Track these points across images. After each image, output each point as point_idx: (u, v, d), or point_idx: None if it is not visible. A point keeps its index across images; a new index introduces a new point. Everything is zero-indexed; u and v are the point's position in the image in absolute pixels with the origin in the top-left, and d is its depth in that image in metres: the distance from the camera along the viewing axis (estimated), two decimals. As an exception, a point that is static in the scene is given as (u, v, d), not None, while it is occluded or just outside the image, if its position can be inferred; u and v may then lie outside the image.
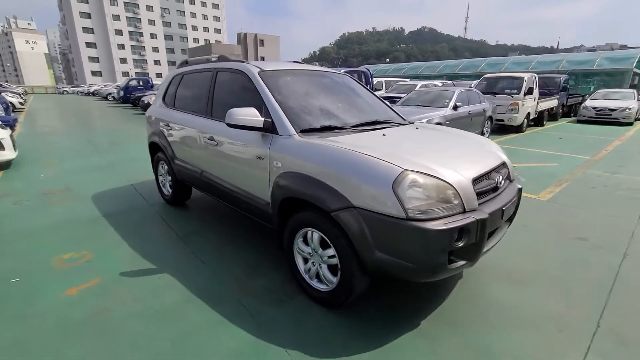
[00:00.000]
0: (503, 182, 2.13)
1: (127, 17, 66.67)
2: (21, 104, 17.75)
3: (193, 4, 73.99)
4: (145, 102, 16.32)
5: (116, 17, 65.42)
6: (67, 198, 4.24)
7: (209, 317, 2.08)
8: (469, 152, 2.25)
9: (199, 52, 57.82)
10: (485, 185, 1.97)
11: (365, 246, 1.77)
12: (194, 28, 75.16)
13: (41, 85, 56.01)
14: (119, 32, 66.31)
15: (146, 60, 70.53)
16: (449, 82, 13.41)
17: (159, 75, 63.40)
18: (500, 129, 10.26)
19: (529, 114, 10.12)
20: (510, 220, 2.33)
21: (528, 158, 6.65)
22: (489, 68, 21.03)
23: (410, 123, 2.95)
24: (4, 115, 7.03)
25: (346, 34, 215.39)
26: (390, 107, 3.23)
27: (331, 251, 2.00)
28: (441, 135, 2.61)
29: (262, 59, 61.65)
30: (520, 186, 2.32)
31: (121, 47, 67.06)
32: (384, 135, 2.32)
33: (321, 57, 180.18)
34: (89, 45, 64.72)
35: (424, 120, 6.68)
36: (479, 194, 1.91)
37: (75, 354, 1.78)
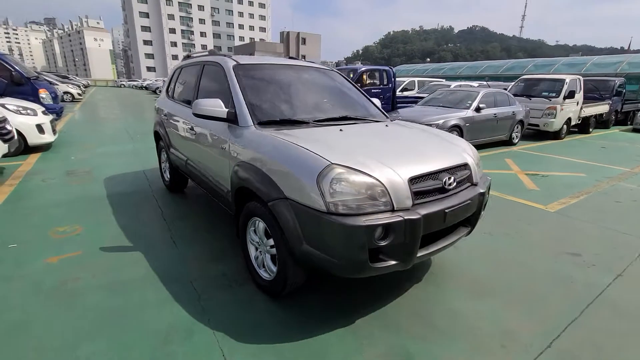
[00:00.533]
0: (455, 184, 2.02)
1: (180, 16, 70.93)
2: (79, 94, 19.62)
3: (241, 3, 76.83)
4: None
5: (171, 17, 69.87)
6: (86, 179, 4.66)
7: (160, 294, 2.21)
8: (423, 151, 2.16)
9: (243, 49, 59.94)
10: (429, 186, 1.89)
11: (295, 237, 1.78)
12: (241, 27, 78.05)
13: (103, 79, 61.55)
14: (172, 31, 70.79)
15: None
16: (485, 83, 12.67)
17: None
18: (536, 134, 9.55)
19: (569, 119, 9.28)
20: (470, 225, 2.21)
21: (554, 166, 6.13)
22: (536, 70, 19.54)
23: (391, 120, 2.89)
24: (52, 103, 7.85)
25: (391, 33, 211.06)
26: (374, 105, 3.17)
27: (272, 241, 2.03)
28: (405, 133, 2.54)
29: (303, 57, 62.25)
30: (482, 190, 2.18)
31: (174, 44, 71.54)
32: (340, 130, 2.30)
33: (364, 55, 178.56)
34: (145, 42, 69.82)
35: (441, 121, 6.42)
36: (419, 194, 1.84)
37: (35, 312, 1.99)
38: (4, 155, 4.28)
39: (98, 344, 1.77)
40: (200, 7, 72.77)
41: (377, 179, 1.71)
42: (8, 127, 4.48)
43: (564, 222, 3.61)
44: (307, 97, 2.83)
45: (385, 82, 8.67)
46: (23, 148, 5.83)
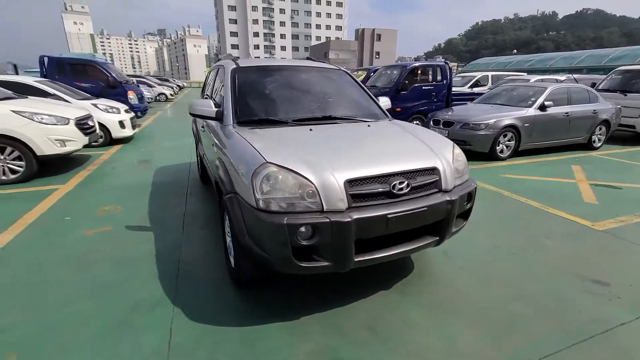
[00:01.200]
0: (408, 189, 1.89)
1: (263, 20, 76.05)
2: (172, 95, 22.57)
3: (319, 3, 78.87)
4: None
5: (255, 21, 75.40)
6: (143, 168, 5.48)
7: (149, 269, 2.55)
8: (382, 152, 2.07)
9: (318, 49, 61.52)
10: (372, 189, 1.82)
11: (239, 230, 1.90)
12: (318, 26, 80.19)
13: (197, 81, 69.55)
14: (255, 34, 76.35)
15: (275, 57, 79.40)
16: (572, 76, 10.84)
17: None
18: (632, 138, 7.92)
19: (681, 120, 7.45)
20: (439, 235, 2.04)
21: (634, 178, 5.05)
22: (655, 58, 15.96)
23: (389, 121, 2.80)
24: (137, 103, 9.31)
25: (479, 23, 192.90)
26: (376, 104, 3.09)
27: (232, 232, 2.19)
28: (383, 134, 2.46)
29: (377, 54, 61.36)
30: (450, 198, 1.99)
31: (256, 47, 77.10)
32: (310, 130, 2.34)
33: (447, 49, 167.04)
34: (233, 46, 76.66)
35: (491, 121, 5.82)
36: (359, 197, 1.79)
37: (53, 275, 2.49)
38: (85, 146, 5.27)
39: (83, 305, 2.14)
40: (282, 11, 76.89)
41: (309, 180, 1.73)
42: (90, 123, 5.50)
43: (608, 243, 3.00)
44: (297, 97, 2.90)
45: (438, 79, 8.10)
46: (109, 140, 7.08)
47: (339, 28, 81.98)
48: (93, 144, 6.56)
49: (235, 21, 74.93)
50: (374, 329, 1.95)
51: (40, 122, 4.62)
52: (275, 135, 2.19)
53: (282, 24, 77.91)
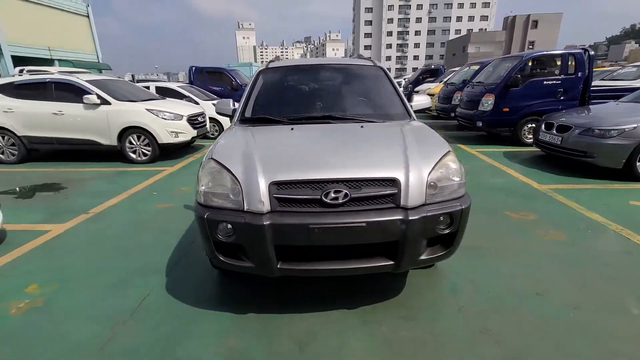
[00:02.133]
0: (346, 199, 1.64)
1: (398, 18, 74.79)
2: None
3: (463, -6, 72.14)
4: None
5: (390, 20, 74.93)
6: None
7: (172, 242, 3.01)
8: (336, 156, 1.84)
9: (456, 43, 56.51)
10: (301, 194, 1.68)
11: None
12: (459, 19, 73.44)
13: (329, 82, 74.61)
14: (389, 34, 75.88)
15: (407, 56, 77.03)
16: None
17: (414, 69, 67.70)
18: None
19: None
20: (395, 259, 1.72)
21: None
22: None
23: (409, 122, 2.50)
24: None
25: None
26: (403, 103, 2.76)
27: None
28: (368, 136, 2.19)
29: (532, 44, 51.99)
30: (405, 217, 1.62)
31: (389, 46, 76.63)
32: (292, 129, 2.29)
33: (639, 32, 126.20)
34: (366, 47, 78.46)
35: (632, 126, 4.26)
36: (287, 201, 1.68)
37: (121, 232, 3.25)
38: (193, 137, 6.51)
39: (114, 260, 2.74)
40: (419, 6, 73.81)
41: (237, 178, 1.74)
42: (200, 119, 6.74)
43: None
44: (307, 96, 2.85)
45: (570, 72, 6.31)
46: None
47: (484, 18, 72.99)
48: (211, 135, 8.04)
49: (370, 22, 76.37)
50: (304, 345, 1.80)
51: (162, 118, 5.97)
52: (255, 134, 2.25)
53: (418, 20, 74.80)
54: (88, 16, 18.26)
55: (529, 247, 2.79)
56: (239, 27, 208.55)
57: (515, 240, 2.91)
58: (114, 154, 6.19)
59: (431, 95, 11.38)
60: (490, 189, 4.28)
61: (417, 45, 76.68)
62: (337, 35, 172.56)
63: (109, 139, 6.03)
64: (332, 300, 2.17)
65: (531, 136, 6.36)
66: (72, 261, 2.75)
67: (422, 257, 1.78)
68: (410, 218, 1.64)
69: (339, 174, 1.71)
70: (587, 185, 4.31)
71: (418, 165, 1.77)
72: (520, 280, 2.33)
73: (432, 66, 15.99)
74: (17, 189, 4.76)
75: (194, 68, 10.71)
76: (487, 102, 6.62)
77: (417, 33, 75.86)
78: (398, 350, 1.76)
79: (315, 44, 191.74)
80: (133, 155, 6.05)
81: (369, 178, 1.70)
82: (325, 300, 2.17)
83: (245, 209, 1.70)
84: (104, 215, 3.71)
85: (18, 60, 13.66)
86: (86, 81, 6.01)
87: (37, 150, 6.46)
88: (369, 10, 75.61)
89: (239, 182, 1.74)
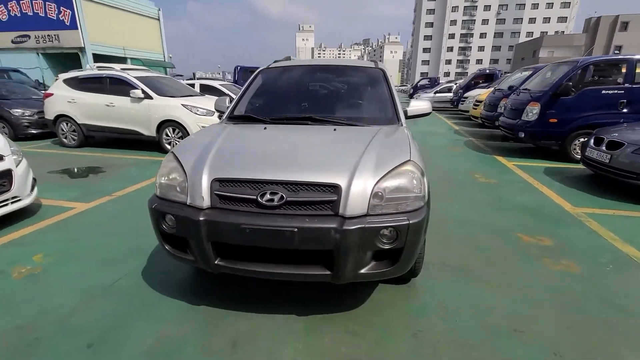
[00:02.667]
0: (281, 201, 1.59)
1: (462, 20, 70.90)
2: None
3: (539, -7, 66.05)
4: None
5: (453, 22, 71.35)
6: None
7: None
8: (284, 157, 1.80)
9: (526, 47, 52.06)
10: (238, 193, 1.67)
11: None
12: (531, 20, 67.35)
13: (383, 85, 73.29)
14: (451, 36, 72.27)
15: (469, 60, 72.64)
16: None
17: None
18: None
19: None
20: (332, 269, 1.64)
21: None
22: None
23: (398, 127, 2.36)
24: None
25: None
26: (395, 108, 2.61)
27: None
28: (331, 139, 2.10)
29: (618, 48, 45.93)
30: (339, 226, 1.52)
31: (449, 49, 72.99)
32: (265, 129, 2.30)
33: None
34: (425, 50, 75.71)
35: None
36: (227, 199, 1.69)
37: (132, 215, 3.54)
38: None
39: (116, 238, 2.99)
40: (486, 7, 69.21)
41: (185, 173, 1.78)
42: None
43: None
44: (294, 97, 2.82)
45: (638, 80, 5.41)
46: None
47: (562, 20, 66.06)
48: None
49: (431, 24, 73.54)
50: (237, 345, 1.79)
51: (195, 113, 6.37)
52: (227, 131, 2.29)
53: (485, 21, 70.16)
54: (158, 19, 20.16)
55: (529, 277, 2.46)
56: (299, 29, 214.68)
57: (514, 267, 2.59)
58: (153, 144, 6.75)
59: (479, 102, 10.62)
60: (511, 206, 3.86)
61: (481, 49, 72.03)
62: (396, 38, 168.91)
63: (149, 130, 6.59)
64: (288, 303, 2.12)
65: (582, 152, 5.60)
66: (79, 237, 3.05)
67: (363, 271, 1.66)
68: (344, 228, 1.54)
69: (279, 175, 1.67)
70: (632, 213, 3.68)
71: (366, 173, 1.66)
72: (499, 314, 2.06)
73: (487, 70, 14.90)
74: (74, 169, 5.44)
75: (239, 67, 11.25)
76: (532, 112, 5.98)
77: (482, 35, 71.23)
78: (329, 366, 1.66)
79: (373, 47, 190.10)
80: (168, 146, 6.54)
81: (308, 182, 1.64)
82: (283, 302, 2.13)
83: (188, 203, 1.75)
84: (124, 198, 4.07)
85: (97, 58, 15.56)
86: (135, 77, 6.64)
87: (92, 137, 7.29)
88: (430, 12, 72.90)
89: (187, 177, 1.78)
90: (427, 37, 74.86)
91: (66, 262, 2.63)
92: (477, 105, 10.72)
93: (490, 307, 2.12)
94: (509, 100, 7.05)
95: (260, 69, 3.18)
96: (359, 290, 2.25)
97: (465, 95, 13.12)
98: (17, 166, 3.33)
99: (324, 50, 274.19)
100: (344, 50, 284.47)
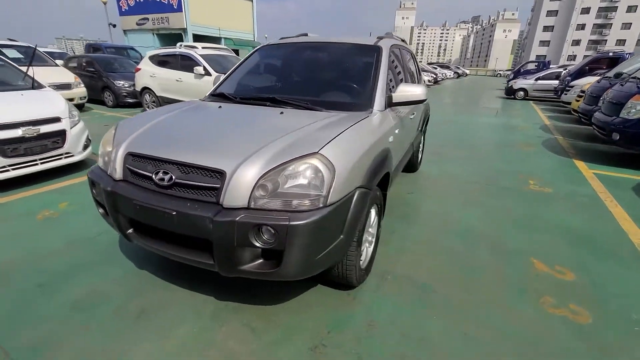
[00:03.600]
0: (169, 182, 1.55)
1: (599, 7, 57.34)
2: (429, 81, 22.95)
3: None
4: (510, 86, 15.69)
5: (585, 10, 58.30)
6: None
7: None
8: (198, 139, 1.73)
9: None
10: (140, 169, 1.71)
11: None
12: None
13: (486, 69, 65.09)
14: (585, 11, 59.30)
15: (606, 40, 58.92)
16: None
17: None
18: None
19: None
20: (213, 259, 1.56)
21: None
22: None
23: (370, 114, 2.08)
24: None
25: None
26: (372, 93, 2.29)
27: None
28: (269, 123, 1.93)
29: None
30: (212, 216, 1.41)
31: (580, 27, 60.14)
32: (219, 107, 2.25)
33: None
34: (545, 28, 64.10)
35: None
36: (135, 174, 1.73)
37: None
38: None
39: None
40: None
41: (113, 147, 1.87)
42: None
43: None
44: (274, 77, 2.67)
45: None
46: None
47: None
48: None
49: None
50: (142, 314, 1.87)
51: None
52: (186, 107, 2.32)
53: (632, 9, 55.43)
54: (252, 1, 21.41)
55: (509, 318, 1.94)
56: (400, 6, 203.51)
57: (496, 301, 2.07)
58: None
59: (585, 93, 8.62)
60: (550, 225, 3.08)
61: (626, 26, 57.55)
62: (512, 15, 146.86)
63: (207, 105, 7.18)
64: (218, 286, 2.11)
65: None
66: (102, 193, 3.55)
67: (245, 268, 1.53)
68: (215, 219, 1.43)
69: (174, 155, 1.61)
70: None
71: (259, 161, 1.49)
72: (432, 355, 1.70)
73: (610, 53, 11.86)
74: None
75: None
76: (636, 108, 4.57)
77: (631, 9, 56.59)
78: (204, 356, 1.61)
79: (483, 25, 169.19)
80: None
81: (197, 165, 1.55)
82: (214, 283, 2.12)
83: (108, 173, 1.84)
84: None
85: (196, 38, 17.44)
86: (199, 55, 7.24)
87: (167, 108, 8.31)
88: (560, -18, 60.84)
89: (113, 150, 1.87)
90: (551, 13, 62.99)
91: (80, 212, 3.09)
92: (582, 96, 8.71)
93: (424, 341, 1.76)
94: (610, 92, 5.52)
95: (258, 47, 3.11)
96: (295, 287, 2.11)
97: (572, 83, 10.76)
98: (72, 127, 3.99)
99: (424, 30, 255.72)
100: (447, 29, 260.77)
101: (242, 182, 1.46)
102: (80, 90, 8.24)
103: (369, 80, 2.36)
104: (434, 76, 24.72)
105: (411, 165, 4.28)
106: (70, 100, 7.88)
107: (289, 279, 1.58)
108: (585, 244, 2.77)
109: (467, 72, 52.43)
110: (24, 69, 4.43)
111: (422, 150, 4.70)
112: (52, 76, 7.65)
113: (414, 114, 3.11)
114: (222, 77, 3.00)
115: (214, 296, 2.03)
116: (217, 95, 2.64)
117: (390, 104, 2.33)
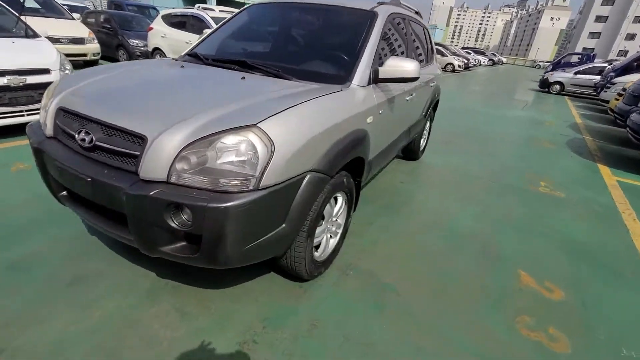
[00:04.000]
0: (89, 144, 1.36)
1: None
2: (459, 66, 21.66)
3: None
4: (546, 78, 14.57)
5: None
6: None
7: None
8: (137, 99, 1.52)
9: None
10: (65, 126, 1.54)
11: None
12: None
13: (524, 59, 60.98)
14: (637, 20, 53.82)
15: None
16: None
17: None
18: None
19: None
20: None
21: None
22: None
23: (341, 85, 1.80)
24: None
25: None
26: (354, 64, 1.99)
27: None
28: (221, 87, 1.70)
29: None
30: (125, 188, 1.22)
31: (638, 20, 54.82)
32: (182, 67, 2.03)
33: None
34: (597, 19, 58.87)
35: None
36: (63, 131, 1.56)
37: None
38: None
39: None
40: None
41: (50, 100, 1.68)
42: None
43: None
44: (253, 39, 2.41)
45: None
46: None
47: None
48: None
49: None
50: (74, 282, 1.76)
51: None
52: (147, 65, 2.11)
53: None
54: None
55: (478, 335, 1.71)
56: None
57: (463, 314, 1.84)
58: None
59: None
60: (552, 234, 2.75)
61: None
62: (564, 1, 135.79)
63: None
64: (166, 262, 1.97)
65: None
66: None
67: (164, 249, 1.35)
68: (128, 191, 1.24)
69: (100, 114, 1.41)
70: None
71: (186, 129, 1.26)
72: (378, 360, 1.50)
73: (665, 50, 10.61)
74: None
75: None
76: (679, 111, 4.00)
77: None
78: (121, 336, 1.48)
79: (529, 10, 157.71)
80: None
81: (118, 127, 1.34)
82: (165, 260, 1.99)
83: (41, 128, 1.68)
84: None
85: (220, 1, 16.94)
86: (210, 17, 6.93)
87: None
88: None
89: (50, 101, 1.70)
90: (608, 2, 57.57)
91: (54, 168, 3.01)
92: (622, 95, 7.90)
93: (369, 349, 1.56)
94: (653, 91, 4.89)
95: (248, 6, 2.81)
96: (244, 273, 1.94)
97: (615, 80, 9.78)
98: (62, 81, 3.88)
99: (465, 11, 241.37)
100: (489, 13, 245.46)
101: (163, 151, 1.25)
102: (94, 46, 8.14)
103: (353, 50, 2.05)
104: (465, 61, 23.33)
105: (411, 153, 3.96)
106: (83, 55, 7.84)
107: (213, 267, 1.40)
108: (586, 259, 2.45)
109: (504, 60, 49.35)
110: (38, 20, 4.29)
111: (427, 138, 4.35)
112: (66, 29, 7.55)
113: (412, 94, 2.77)
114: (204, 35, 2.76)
115: (156, 273, 1.89)
116: (192, 55, 2.41)
117: (376, 79, 2.03)
